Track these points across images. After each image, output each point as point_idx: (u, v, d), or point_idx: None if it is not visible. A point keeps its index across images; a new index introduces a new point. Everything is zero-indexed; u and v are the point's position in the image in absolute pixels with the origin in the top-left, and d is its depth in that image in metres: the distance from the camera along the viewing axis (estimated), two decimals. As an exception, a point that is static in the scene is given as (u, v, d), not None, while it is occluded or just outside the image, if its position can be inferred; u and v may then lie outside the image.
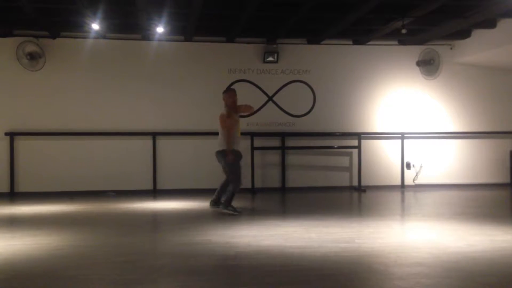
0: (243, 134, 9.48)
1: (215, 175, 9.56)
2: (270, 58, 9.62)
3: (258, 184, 9.41)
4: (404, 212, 7.43)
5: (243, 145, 9.44)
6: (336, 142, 9.83)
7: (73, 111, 9.23)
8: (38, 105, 9.15)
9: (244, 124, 9.62)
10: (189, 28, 8.80)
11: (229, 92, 6.96)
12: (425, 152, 10.12)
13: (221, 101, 6.97)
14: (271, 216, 6.40)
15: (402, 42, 9.97)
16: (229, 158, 6.66)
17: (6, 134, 8.97)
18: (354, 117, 9.96)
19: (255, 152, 9.32)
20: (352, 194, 9.13)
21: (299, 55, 9.86)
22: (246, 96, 9.64)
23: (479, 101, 10.24)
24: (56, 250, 4.55)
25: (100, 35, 9.03)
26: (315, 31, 9.36)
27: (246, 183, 9.31)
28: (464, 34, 9.41)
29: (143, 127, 9.39)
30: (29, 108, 9.12)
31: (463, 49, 9.82)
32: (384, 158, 10.02)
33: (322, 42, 9.81)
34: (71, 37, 9.17)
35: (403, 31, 8.19)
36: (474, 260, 4.08)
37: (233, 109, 6.80)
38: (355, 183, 9.70)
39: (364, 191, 9.30)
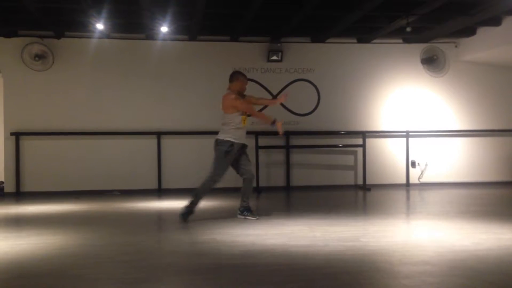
0: (247, 133, 9.50)
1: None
2: (274, 57, 9.62)
3: (263, 183, 9.41)
4: (409, 210, 7.41)
5: (247, 144, 9.49)
6: (340, 141, 9.82)
7: (77, 111, 9.26)
8: (42, 105, 9.18)
9: (249, 122, 9.63)
10: (193, 27, 8.80)
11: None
12: (430, 150, 10.10)
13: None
14: (275, 215, 6.40)
15: (406, 40, 9.95)
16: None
17: (11, 134, 9.01)
18: (358, 116, 9.95)
19: (260, 151, 9.32)
20: (357, 193, 9.11)
21: (303, 54, 9.85)
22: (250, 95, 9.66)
23: (484, 99, 10.21)
24: (62, 249, 4.56)
25: (105, 35, 9.05)
26: (319, 30, 9.34)
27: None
28: (469, 32, 9.38)
29: (148, 126, 9.40)
30: (34, 108, 9.15)
31: (468, 47, 9.79)
32: (389, 157, 10.00)
33: (326, 41, 9.80)
34: (75, 37, 9.20)
35: (408, 29, 8.16)
36: (480, 259, 4.06)
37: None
38: (360, 181, 9.68)
39: (369, 189, 9.29)
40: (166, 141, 9.47)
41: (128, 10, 8.04)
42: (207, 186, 6.10)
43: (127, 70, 9.43)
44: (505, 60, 9.77)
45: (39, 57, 9.05)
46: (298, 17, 8.28)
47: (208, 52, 9.64)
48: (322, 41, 9.79)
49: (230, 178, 9.45)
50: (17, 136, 9.02)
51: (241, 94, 6.24)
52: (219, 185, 9.39)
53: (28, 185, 9.08)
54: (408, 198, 8.60)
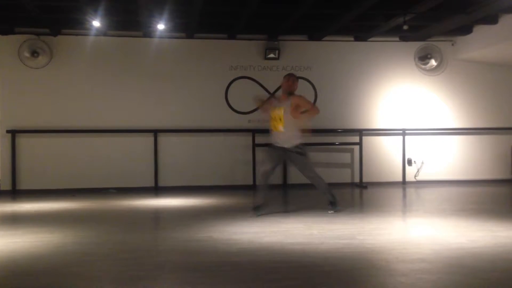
0: (244, 131, 9.54)
1: (217, 172, 9.60)
2: (272, 55, 9.60)
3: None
4: (405, 208, 7.43)
5: (244, 142, 9.50)
6: (337, 139, 9.83)
7: (74, 108, 9.24)
8: (39, 103, 9.15)
9: (246, 120, 9.67)
10: (191, 25, 8.79)
11: (288, 76, 6.33)
12: (427, 148, 10.11)
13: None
14: (272, 213, 6.40)
15: (403, 39, 9.95)
16: None
17: (8, 131, 8.97)
18: (355, 114, 9.95)
19: (257, 148, 9.31)
20: (354, 191, 9.13)
21: (300, 52, 9.85)
22: (247, 93, 9.65)
23: (480, 97, 10.22)
24: (58, 247, 4.56)
25: (101, 33, 9.02)
26: (317, 28, 9.34)
27: (247, 180, 9.35)
28: (465, 30, 9.39)
29: (145, 124, 9.38)
30: (30, 105, 9.12)
31: (464, 45, 9.80)
32: (386, 155, 10.01)
33: (324, 39, 9.79)
34: (72, 34, 9.17)
35: (405, 27, 8.16)
36: (476, 256, 4.07)
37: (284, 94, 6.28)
38: (357, 179, 9.69)
39: (366, 187, 9.30)
40: (163, 139, 9.45)
41: (125, 7, 8.02)
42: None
43: (124, 68, 9.41)
44: (501, 58, 9.78)
45: (36, 54, 9.02)
46: (295, 15, 8.27)
47: (205, 50, 9.62)
48: (319, 39, 9.79)
49: (225, 175, 9.51)
50: (13, 133, 8.99)
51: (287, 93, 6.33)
52: (215, 183, 9.45)
53: (24, 183, 9.06)
54: (404, 196, 8.62)
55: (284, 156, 6.28)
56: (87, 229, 5.43)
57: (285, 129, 6.13)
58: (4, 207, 7.34)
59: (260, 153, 9.47)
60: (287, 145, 6.16)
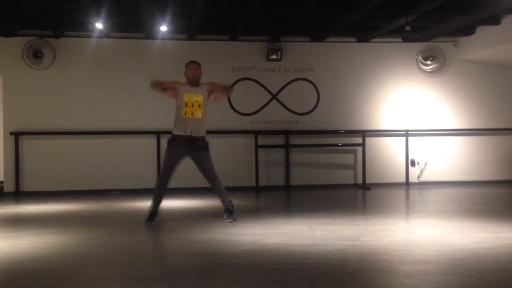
0: (247, 132, 9.53)
1: (219, 174, 9.56)
2: (274, 56, 9.61)
3: (262, 182, 9.41)
4: (409, 209, 7.42)
5: (247, 143, 9.51)
6: (340, 140, 9.81)
7: (77, 110, 9.26)
8: (42, 105, 9.17)
9: (248, 122, 9.68)
10: (193, 26, 8.80)
11: (188, 64, 5.96)
12: (430, 149, 10.10)
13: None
14: (275, 214, 6.40)
15: (406, 39, 9.94)
16: None
17: (11, 133, 9.00)
18: (358, 115, 9.94)
19: (259, 150, 9.32)
20: (357, 192, 9.12)
21: (302, 53, 9.85)
22: (250, 94, 9.67)
23: (483, 98, 10.20)
24: (61, 249, 4.56)
25: (104, 34, 9.05)
26: (319, 29, 9.34)
27: (250, 181, 9.34)
28: (468, 30, 9.38)
29: (147, 126, 9.39)
30: (33, 107, 9.14)
31: (467, 46, 9.79)
32: (389, 156, 9.99)
33: (326, 40, 9.79)
34: (74, 36, 9.19)
35: (407, 28, 8.16)
36: (480, 257, 4.06)
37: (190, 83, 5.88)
38: (360, 180, 9.68)
39: (369, 188, 9.29)
40: (165, 140, 9.42)
41: (128, 9, 8.04)
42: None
43: (127, 70, 9.43)
44: (504, 59, 9.77)
45: (40, 54, 9.04)
46: (297, 16, 8.27)
47: (207, 51, 9.61)
48: (321, 40, 9.79)
49: (228, 177, 9.50)
50: (16, 135, 9.01)
51: (192, 82, 5.91)
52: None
53: (27, 185, 9.08)
54: (407, 197, 8.61)
55: (187, 152, 5.82)
56: (90, 230, 5.43)
57: (202, 116, 5.82)
58: (7, 209, 7.35)
59: (263, 154, 9.52)
60: (199, 134, 5.81)
